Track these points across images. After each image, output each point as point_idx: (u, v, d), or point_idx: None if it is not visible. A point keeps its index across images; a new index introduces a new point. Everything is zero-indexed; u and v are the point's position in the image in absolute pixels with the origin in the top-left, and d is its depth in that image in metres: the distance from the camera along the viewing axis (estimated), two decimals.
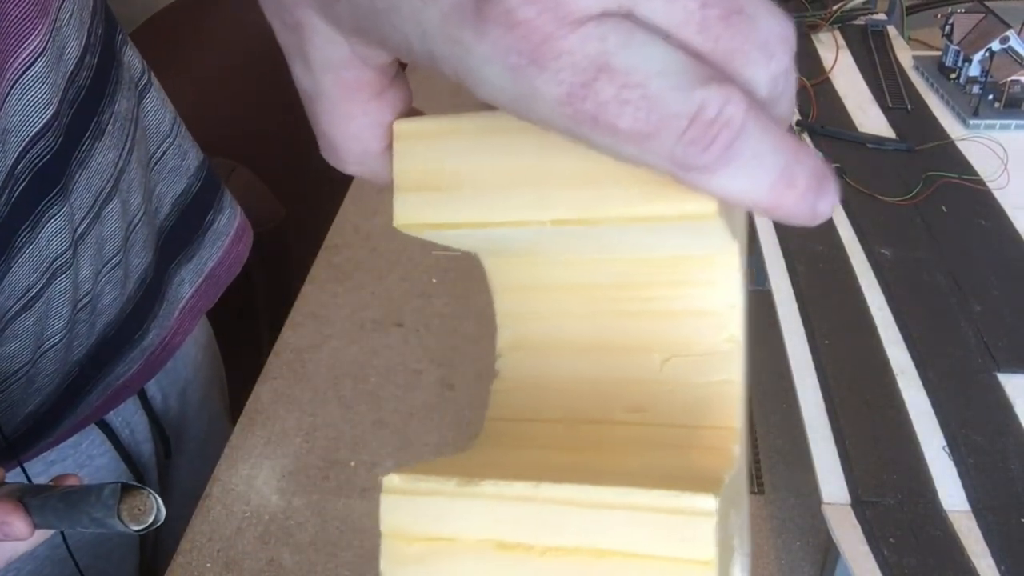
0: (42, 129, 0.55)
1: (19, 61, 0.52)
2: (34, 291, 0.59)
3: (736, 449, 0.28)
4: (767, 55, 0.20)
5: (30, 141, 0.54)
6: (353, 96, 0.25)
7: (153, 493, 0.45)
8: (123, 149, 0.64)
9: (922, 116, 0.98)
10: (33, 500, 0.47)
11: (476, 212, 0.25)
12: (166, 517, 0.44)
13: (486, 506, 0.25)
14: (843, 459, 0.58)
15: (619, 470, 0.28)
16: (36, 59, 0.53)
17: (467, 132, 0.25)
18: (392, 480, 0.26)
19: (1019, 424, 0.60)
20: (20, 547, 0.49)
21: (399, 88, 0.26)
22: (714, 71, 0.20)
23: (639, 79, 0.19)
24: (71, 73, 0.58)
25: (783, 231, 0.79)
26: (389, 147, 0.26)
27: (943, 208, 0.82)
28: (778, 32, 0.20)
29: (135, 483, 0.45)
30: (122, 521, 0.44)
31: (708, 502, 0.23)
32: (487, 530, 0.25)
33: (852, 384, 0.64)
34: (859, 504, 0.55)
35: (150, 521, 0.45)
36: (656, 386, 0.29)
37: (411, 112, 0.27)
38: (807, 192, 0.21)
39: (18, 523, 0.46)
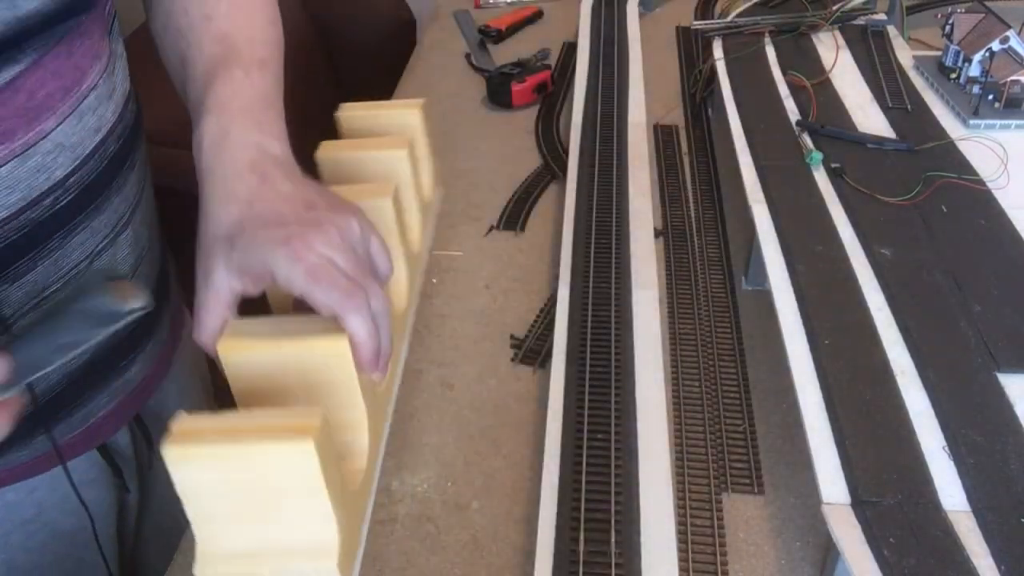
0: (91, 152, 0.63)
1: (82, 88, 0.61)
2: (47, 294, 0.62)
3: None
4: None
5: (82, 160, 0.62)
6: (221, 301, 0.54)
7: (138, 284, 0.46)
8: (143, 185, 0.72)
9: (922, 116, 0.98)
10: (15, 338, 0.45)
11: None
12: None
13: None
14: (843, 459, 0.58)
15: None
16: (90, 91, 0.62)
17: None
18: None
19: (1019, 424, 0.60)
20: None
21: (234, 312, 0.55)
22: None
23: None
24: (120, 110, 0.67)
25: (783, 231, 0.79)
26: None
27: (943, 208, 0.82)
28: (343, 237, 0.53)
29: (117, 276, 0.45)
30: (112, 299, 0.45)
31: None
32: None
33: (852, 384, 0.64)
34: (859, 504, 0.55)
35: (141, 305, 0.45)
36: None
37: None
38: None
39: None
